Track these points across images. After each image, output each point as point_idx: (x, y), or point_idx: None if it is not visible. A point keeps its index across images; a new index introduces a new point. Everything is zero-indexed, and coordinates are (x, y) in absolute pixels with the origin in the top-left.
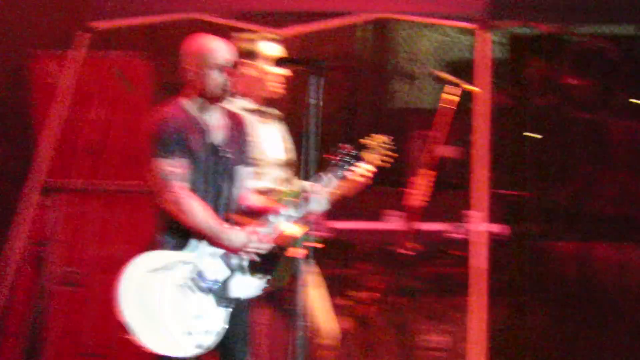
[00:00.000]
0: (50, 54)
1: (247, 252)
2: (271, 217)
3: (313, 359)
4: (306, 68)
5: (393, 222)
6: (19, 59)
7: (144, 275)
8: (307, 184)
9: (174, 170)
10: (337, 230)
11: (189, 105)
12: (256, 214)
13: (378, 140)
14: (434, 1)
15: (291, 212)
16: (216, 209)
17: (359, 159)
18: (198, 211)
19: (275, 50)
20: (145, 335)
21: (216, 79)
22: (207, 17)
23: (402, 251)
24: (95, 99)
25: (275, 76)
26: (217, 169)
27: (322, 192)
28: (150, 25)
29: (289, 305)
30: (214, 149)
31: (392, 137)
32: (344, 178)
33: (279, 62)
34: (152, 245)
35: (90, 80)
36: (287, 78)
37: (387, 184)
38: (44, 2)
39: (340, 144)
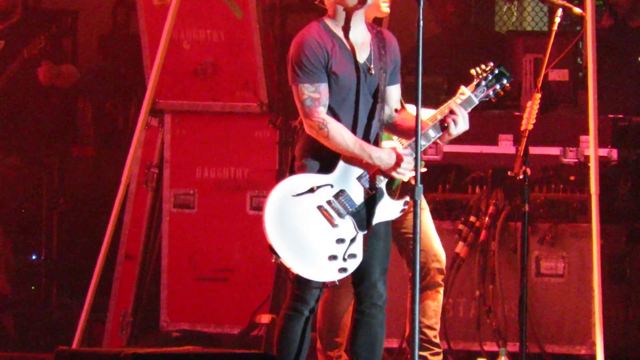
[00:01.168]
0: None
1: (398, 173)
2: (423, 137)
3: (424, 282)
4: None
5: (504, 146)
6: None
7: (289, 199)
8: (451, 105)
9: (317, 96)
10: (448, 153)
11: (332, 24)
12: (404, 133)
13: (489, 68)
14: None
15: (433, 133)
16: (367, 129)
17: (504, 77)
18: (344, 135)
19: None
20: (291, 259)
21: None
22: None
23: (514, 175)
24: (202, 19)
25: None
26: (366, 88)
27: (463, 113)
28: None
29: (404, 229)
30: (361, 68)
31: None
32: (487, 98)
33: None
34: (296, 169)
35: (197, 0)
36: None
37: (497, 107)
38: None
39: (483, 67)
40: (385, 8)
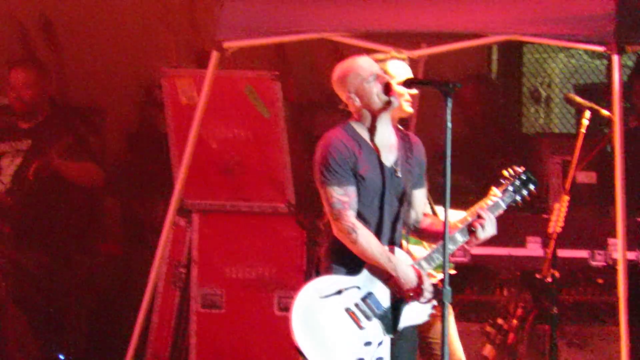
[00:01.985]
0: (183, 72)
1: (418, 297)
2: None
3: None
4: (439, 89)
5: (532, 248)
6: (152, 77)
7: (317, 300)
8: (478, 209)
9: (346, 199)
10: (476, 255)
11: (358, 126)
12: (432, 237)
13: (516, 173)
14: (564, 24)
15: (460, 237)
16: (392, 233)
17: (530, 182)
18: (371, 243)
19: (404, 70)
20: None
21: (374, 88)
22: (335, 37)
23: (543, 277)
24: (229, 118)
25: (407, 96)
26: (391, 191)
27: (491, 217)
28: (281, 45)
29: (428, 333)
30: (387, 171)
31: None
32: (515, 203)
33: (411, 82)
34: (323, 270)
35: (224, 99)
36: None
37: (525, 210)
38: (175, 20)
39: (512, 168)
40: (408, 107)
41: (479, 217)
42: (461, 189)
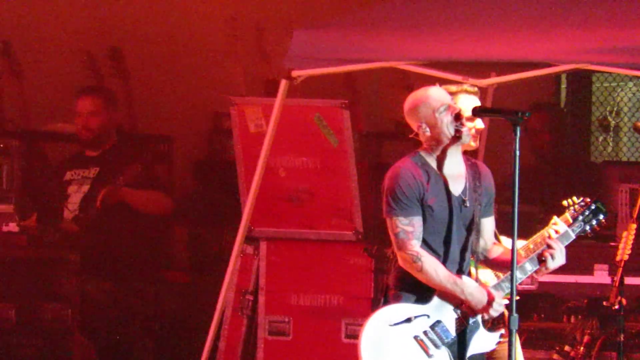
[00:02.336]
0: (251, 101)
1: (488, 313)
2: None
3: None
4: (507, 118)
5: (600, 276)
6: (220, 106)
7: (386, 328)
8: (548, 240)
9: (411, 229)
10: (543, 283)
11: (427, 156)
12: (501, 267)
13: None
14: (633, 52)
15: (530, 266)
16: (461, 262)
17: (600, 212)
18: (437, 270)
19: (474, 103)
20: None
21: (445, 120)
22: (404, 66)
23: (610, 305)
24: (298, 147)
25: (473, 130)
26: (460, 220)
27: (561, 247)
28: (349, 74)
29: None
30: (455, 200)
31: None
32: (584, 233)
33: (479, 112)
34: (391, 298)
35: (292, 127)
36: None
37: (593, 238)
38: (243, 49)
39: (580, 198)
40: (473, 141)
41: (549, 246)
42: (528, 218)
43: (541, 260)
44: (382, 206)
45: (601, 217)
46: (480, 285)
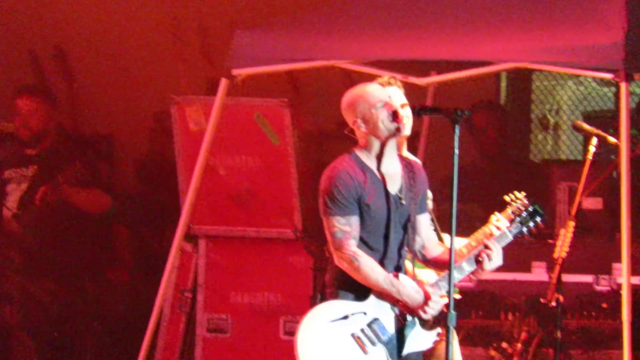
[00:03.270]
0: (192, 100)
1: (425, 312)
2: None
3: None
4: (447, 117)
5: (538, 273)
6: (161, 105)
7: (323, 324)
8: (486, 240)
9: (348, 229)
10: (482, 280)
11: (364, 155)
12: (440, 266)
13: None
14: (573, 52)
15: (467, 266)
16: (398, 260)
17: (537, 215)
18: (374, 269)
19: (399, 97)
20: None
21: (381, 116)
22: (345, 65)
23: (547, 302)
24: (238, 146)
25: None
26: (397, 219)
27: (498, 248)
28: (290, 72)
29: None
30: (392, 199)
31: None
32: (521, 235)
33: (420, 110)
34: (328, 296)
35: (233, 126)
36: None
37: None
38: (185, 49)
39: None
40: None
41: (487, 247)
42: (469, 216)
43: (478, 260)
44: (319, 206)
45: (538, 219)
46: (417, 284)
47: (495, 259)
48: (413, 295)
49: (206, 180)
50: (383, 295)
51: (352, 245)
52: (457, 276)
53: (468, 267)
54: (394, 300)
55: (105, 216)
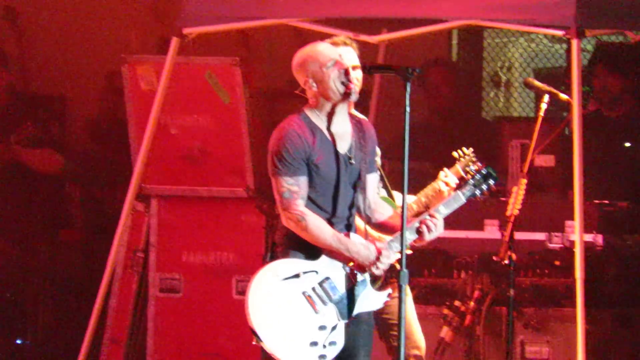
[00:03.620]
0: (144, 59)
1: (375, 269)
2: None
3: None
4: (398, 75)
5: (490, 231)
6: (113, 64)
7: (274, 282)
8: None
9: (296, 189)
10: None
11: (313, 115)
12: (390, 231)
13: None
14: (524, 9)
15: (409, 235)
16: (347, 219)
17: (491, 177)
18: (322, 228)
19: (352, 58)
20: (272, 343)
21: (332, 75)
22: (297, 23)
23: (500, 260)
24: (190, 105)
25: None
26: (347, 178)
27: (439, 221)
28: (242, 31)
29: (386, 314)
30: (342, 158)
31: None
32: (474, 197)
33: (371, 68)
34: (279, 254)
35: (185, 85)
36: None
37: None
38: (137, 9)
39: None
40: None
41: (431, 216)
42: (421, 174)
43: (419, 231)
44: (268, 166)
45: (491, 182)
46: (369, 240)
47: (434, 231)
48: (362, 252)
49: (158, 139)
50: (336, 254)
51: (300, 205)
52: (398, 246)
53: (410, 236)
54: (344, 259)
55: (57, 176)
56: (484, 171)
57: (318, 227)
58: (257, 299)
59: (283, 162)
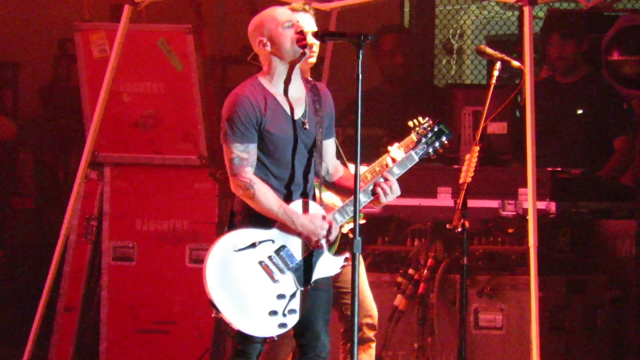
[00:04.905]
0: (96, 26)
1: (317, 242)
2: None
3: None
4: (351, 42)
5: (443, 199)
6: (65, 31)
7: (231, 253)
8: (386, 173)
9: (246, 156)
10: (388, 206)
11: (266, 81)
12: (345, 191)
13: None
14: None
15: (363, 197)
16: (304, 186)
17: (443, 134)
18: (268, 198)
19: (311, 25)
20: (231, 314)
21: (288, 35)
22: None
23: (453, 228)
24: (142, 72)
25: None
26: (301, 144)
27: (394, 184)
28: None
29: (338, 283)
30: (296, 124)
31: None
32: (427, 156)
33: (323, 35)
34: (237, 223)
35: (137, 52)
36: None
37: (436, 161)
38: None
39: (420, 119)
40: (310, 59)
41: (385, 179)
42: (374, 141)
43: (375, 192)
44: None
45: (444, 139)
46: (324, 208)
47: (391, 193)
48: (308, 225)
49: (111, 107)
50: (280, 224)
51: (249, 173)
52: (351, 210)
53: (365, 198)
54: (292, 231)
55: (10, 143)
56: (435, 128)
57: (265, 196)
58: (214, 271)
59: (233, 129)
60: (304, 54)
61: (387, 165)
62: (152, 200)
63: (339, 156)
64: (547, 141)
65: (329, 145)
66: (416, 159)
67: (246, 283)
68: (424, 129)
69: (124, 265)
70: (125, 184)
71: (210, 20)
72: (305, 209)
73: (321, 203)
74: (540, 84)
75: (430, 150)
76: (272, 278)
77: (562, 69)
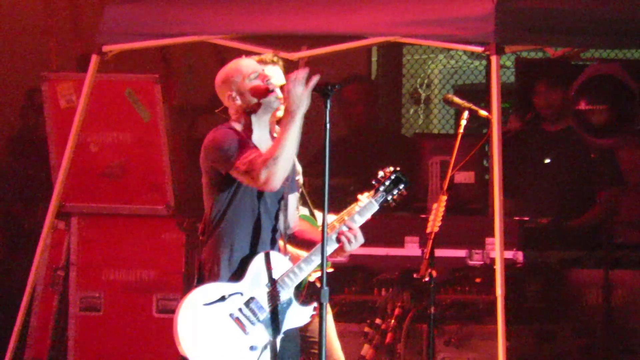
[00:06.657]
0: (63, 76)
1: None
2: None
3: None
4: (318, 91)
5: (411, 248)
6: (32, 81)
7: (201, 308)
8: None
9: (256, 152)
10: (355, 256)
11: (240, 128)
12: (304, 244)
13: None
14: (443, 25)
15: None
16: (272, 237)
17: (401, 182)
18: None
19: (279, 76)
20: None
21: (256, 85)
22: (217, 40)
23: (420, 277)
24: (110, 122)
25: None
26: (271, 196)
27: (358, 232)
28: (162, 48)
29: (306, 332)
30: None
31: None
32: (387, 203)
33: None
34: (206, 275)
35: (105, 102)
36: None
37: (404, 210)
38: (57, 25)
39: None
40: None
41: (349, 228)
42: (341, 191)
43: (339, 240)
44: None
45: (402, 186)
46: (290, 258)
47: (355, 241)
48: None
49: (78, 157)
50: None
51: (259, 157)
52: (315, 259)
53: (330, 247)
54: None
55: None
56: (392, 177)
57: (276, 151)
58: (186, 325)
59: (230, 148)
60: (270, 102)
61: (349, 213)
62: (120, 250)
63: (306, 205)
64: (541, 186)
65: (292, 199)
66: (376, 206)
67: (218, 336)
68: (382, 177)
69: (91, 316)
70: (93, 234)
71: (178, 70)
72: (269, 260)
73: (286, 253)
74: (525, 132)
75: (389, 197)
76: (243, 330)
77: (550, 117)
